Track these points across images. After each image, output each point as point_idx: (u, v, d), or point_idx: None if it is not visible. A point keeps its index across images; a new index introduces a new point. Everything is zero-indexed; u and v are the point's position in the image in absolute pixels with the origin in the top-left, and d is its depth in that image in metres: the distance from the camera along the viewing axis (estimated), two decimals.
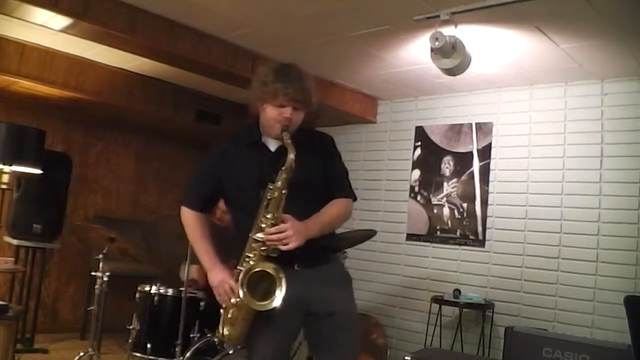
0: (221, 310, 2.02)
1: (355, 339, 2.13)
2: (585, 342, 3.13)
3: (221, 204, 2.56)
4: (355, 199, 2.14)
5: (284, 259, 1.88)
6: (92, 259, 3.79)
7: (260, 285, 1.87)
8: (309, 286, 1.96)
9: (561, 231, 3.79)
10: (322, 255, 2.04)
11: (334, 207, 2.04)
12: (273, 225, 1.87)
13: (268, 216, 1.88)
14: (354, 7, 3.09)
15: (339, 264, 2.15)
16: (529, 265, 3.90)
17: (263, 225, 1.88)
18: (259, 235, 1.89)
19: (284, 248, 1.85)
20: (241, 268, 1.91)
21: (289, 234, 1.84)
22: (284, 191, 1.88)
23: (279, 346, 2.01)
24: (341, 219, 2.07)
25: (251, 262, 1.90)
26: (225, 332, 1.98)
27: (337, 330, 2.00)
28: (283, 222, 1.86)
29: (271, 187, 1.89)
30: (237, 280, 1.90)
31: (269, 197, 1.89)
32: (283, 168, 1.89)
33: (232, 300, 1.92)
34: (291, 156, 1.88)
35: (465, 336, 4.05)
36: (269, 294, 1.85)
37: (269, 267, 1.86)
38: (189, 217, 2.12)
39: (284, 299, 1.84)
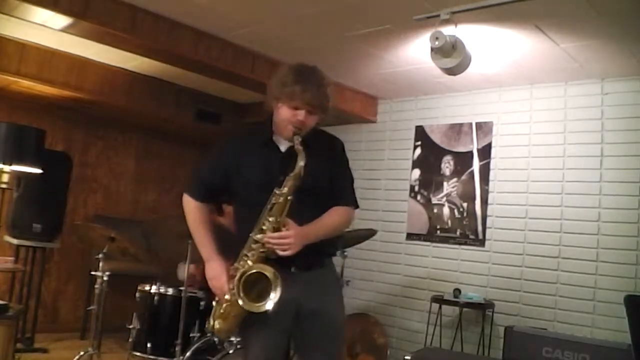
0: (214, 303, 2.04)
1: (339, 340, 2.14)
2: (585, 341, 3.13)
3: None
4: (357, 207, 2.14)
5: (281, 261, 1.89)
6: (92, 258, 3.78)
7: (256, 286, 1.87)
8: (303, 288, 1.97)
9: (561, 230, 3.79)
10: (318, 259, 2.05)
11: (334, 216, 2.04)
12: (275, 228, 1.87)
13: (270, 219, 1.89)
14: (354, 7, 3.09)
15: (333, 269, 2.16)
16: (529, 265, 3.90)
17: (264, 227, 1.89)
18: (259, 236, 1.89)
19: (282, 254, 1.87)
20: (238, 266, 1.92)
21: (290, 241, 1.86)
22: (289, 197, 1.88)
23: (273, 345, 2.01)
24: (340, 227, 2.09)
25: (249, 262, 1.90)
26: (216, 325, 2.01)
27: (322, 330, 2.01)
28: (285, 226, 1.87)
29: (277, 192, 1.89)
30: (232, 277, 1.91)
31: (273, 202, 1.89)
32: (291, 175, 1.88)
33: (226, 296, 1.93)
34: (301, 163, 1.88)
35: (465, 336, 4.05)
36: (263, 296, 1.85)
37: (267, 270, 1.86)
38: (190, 206, 2.12)
39: (279, 302, 1.83)
